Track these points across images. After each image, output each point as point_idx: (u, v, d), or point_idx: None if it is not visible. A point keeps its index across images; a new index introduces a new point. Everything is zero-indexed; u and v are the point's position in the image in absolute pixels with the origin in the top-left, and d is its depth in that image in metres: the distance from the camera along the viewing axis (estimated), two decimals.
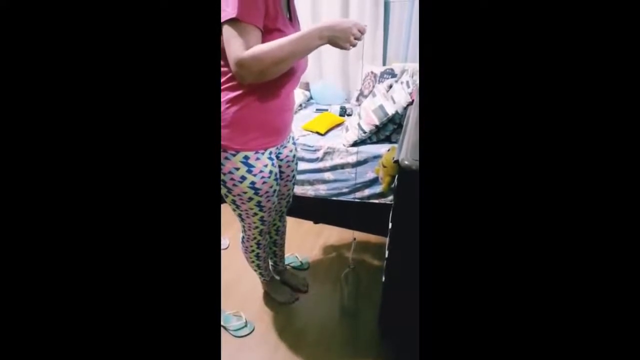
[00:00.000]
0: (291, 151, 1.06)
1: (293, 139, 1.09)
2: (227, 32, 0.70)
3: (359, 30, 0.73)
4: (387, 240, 1.05)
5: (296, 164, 1.11)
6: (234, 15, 0.68)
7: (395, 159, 0.77)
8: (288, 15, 0.84)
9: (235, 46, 0.70)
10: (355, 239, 1.27)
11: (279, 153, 1.02)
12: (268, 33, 0.74)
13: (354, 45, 0.74)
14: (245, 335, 1.22)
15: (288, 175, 1.09)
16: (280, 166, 1.04)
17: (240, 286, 1.43)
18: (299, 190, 1.68)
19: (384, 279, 1.01)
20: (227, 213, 1.70)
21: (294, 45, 0.71)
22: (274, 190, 0.98)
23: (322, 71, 2.31)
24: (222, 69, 0.80)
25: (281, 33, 0.77)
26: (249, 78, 0.74)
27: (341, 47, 0.74)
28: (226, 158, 0.87)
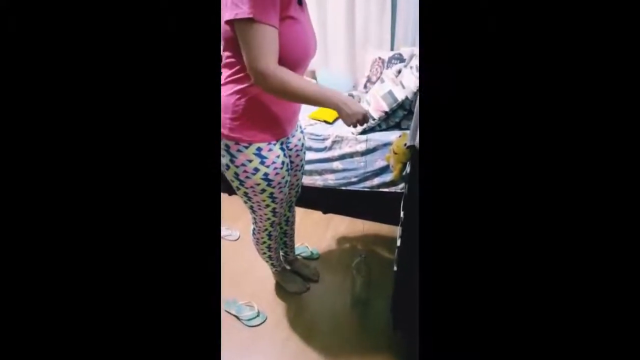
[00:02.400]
0: (300, 140, 1.05)
1: (301, 127, 1.07)
2: (244, 33, 0.68)
3: (364, 119, 0.81)
4: (398, 229, 1.03)
5: (304, 153, 1.10)
6: (249, 15, 0.65)
7: (407, 145, 0.74)
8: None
9: (257, 52, 0.68)
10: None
11: (288, 142, 1.00)
12: (280, 21, 0.72)
13: (354, 126, 0.82)
14: (258, 325, 1.23)
15: (297, 165, 1.08)
16: (289, 156, 1.02)
17: (252, 277, 1.43)
18: (307, 180, 1.67)
19: (395, 268, 0.99)
20: (237, 205, 1.71)
21: (317, 96, 0.77)
22: (286, 181, 0.97)
23: (328, 59, 2.26)
24: (230, 60, 0.78)
25: (293, 20, 0.74)
26: (263, 87, 0.75)
27: (343, 120, 0.81)
28: (239, 150, 0.86)
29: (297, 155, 1.05)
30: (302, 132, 1.07)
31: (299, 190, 1.20)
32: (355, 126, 0.81)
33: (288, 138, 0.99)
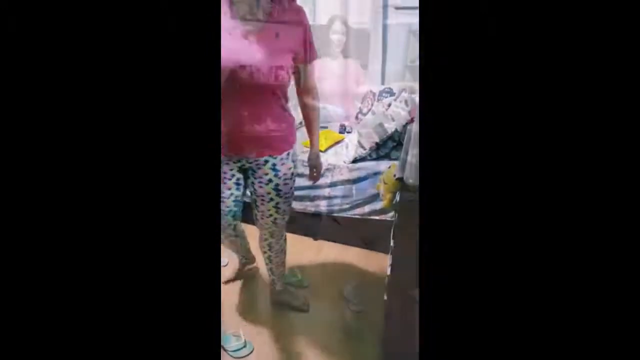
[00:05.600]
0: (267, 175, 1.03)
1: (275, 165, 1.03)
2: None
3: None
4: (388, 257, 1.04)
5: (276, 189, 1.06)
6: None
7: (396, 176, 0.78)
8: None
9: None
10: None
11: (253, 171, 1.05)
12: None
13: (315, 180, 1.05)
14: (245, 356, 1.19)
15: (263, 196, 1.09)
16: (253, 183, 1.09)
17: (238, 305, 1.40)
18: (298, 206, 1.68)
19: (385, 297, 0.99)
20: None
21: None
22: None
23: (321, 90, 2.34)
24: None
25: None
26: None
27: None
28: None
29: (261, 187, 1.06)
30: (274, 169, 1.03)
31: (277, 218, 1.15)
32: (316, 180, 0.83)
33: (250, 163, 1.02)
